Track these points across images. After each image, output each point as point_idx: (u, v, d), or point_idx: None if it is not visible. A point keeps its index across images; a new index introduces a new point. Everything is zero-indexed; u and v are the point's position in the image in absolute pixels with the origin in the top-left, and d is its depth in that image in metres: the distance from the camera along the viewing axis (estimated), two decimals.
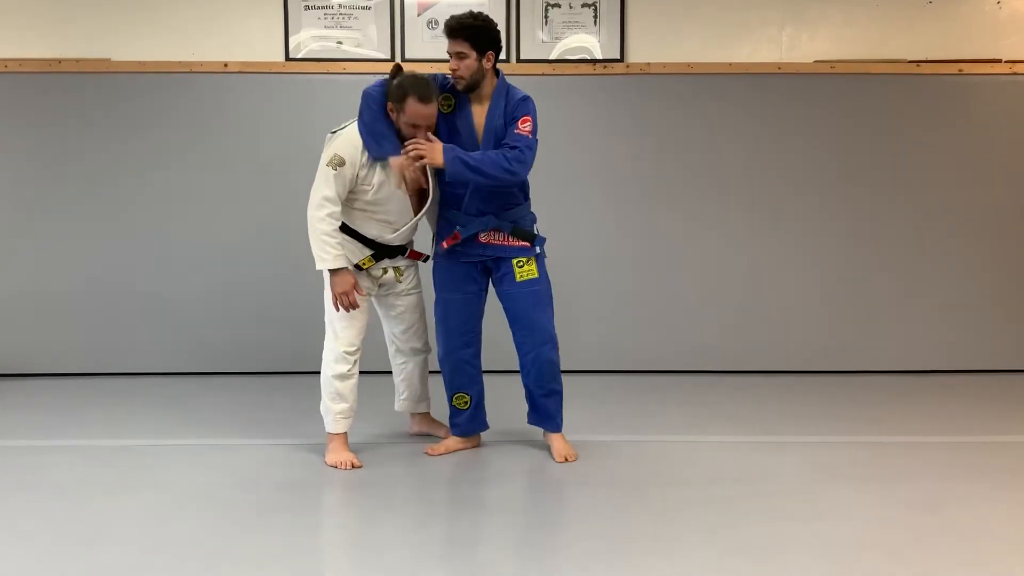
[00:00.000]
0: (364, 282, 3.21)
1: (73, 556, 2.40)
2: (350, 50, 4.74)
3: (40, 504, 2.78)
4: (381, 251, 3.23)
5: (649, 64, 4.73)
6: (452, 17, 3.10)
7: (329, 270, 3.07)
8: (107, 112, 4.62)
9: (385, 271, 3.27)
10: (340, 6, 4.72)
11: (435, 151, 3.06)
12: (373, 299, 3.35)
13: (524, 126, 3.14)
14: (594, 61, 4.74)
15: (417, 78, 3.05)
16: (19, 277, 4.66)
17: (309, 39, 4.73)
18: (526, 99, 3.18)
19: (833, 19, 4.83)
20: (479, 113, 3.18)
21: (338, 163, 3.03)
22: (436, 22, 4.73)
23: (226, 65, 4.66)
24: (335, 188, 3.03)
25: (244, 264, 4.71)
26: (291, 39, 4.72)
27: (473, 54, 3.06)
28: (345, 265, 3.08)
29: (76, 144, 4.63)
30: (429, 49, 4.72)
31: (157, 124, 4.64)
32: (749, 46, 4.82)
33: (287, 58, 4.72)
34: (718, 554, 2.42)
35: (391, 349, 3.47)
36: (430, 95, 3.03)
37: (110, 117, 4.63)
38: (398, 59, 4.72)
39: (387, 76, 3.12)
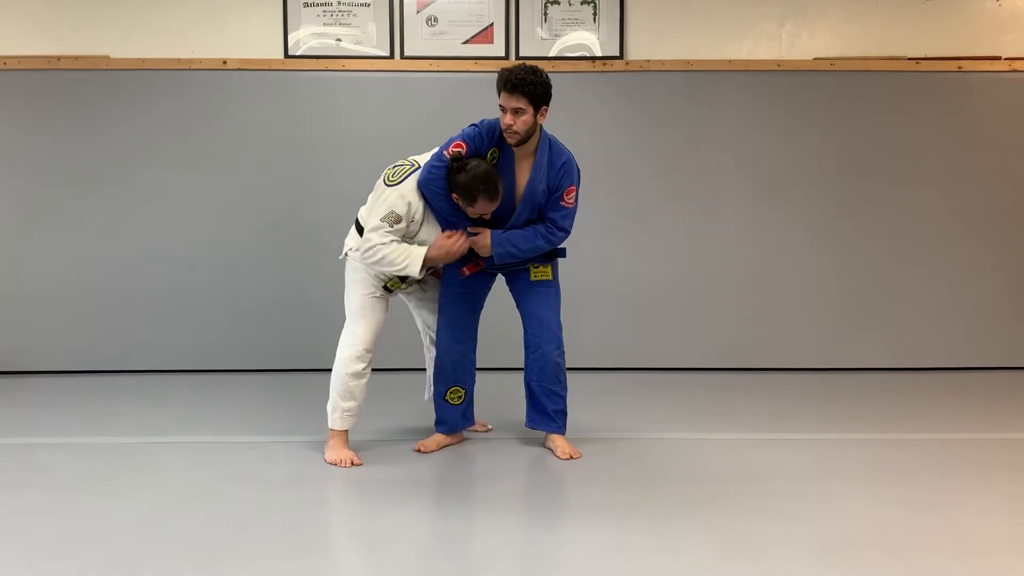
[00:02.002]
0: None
1: (73, 554, 2.39)
2: (349, 47, 4.73)
3: (41, 501, 2.78)
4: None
5: (648, 61, 4.73)
6: (510, 71, 3.01)
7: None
8: (106, 109, 4.62)
9: (409, 285, 3.35)
10: (339, 3, 4.71)
11: (485, 244, 3.14)
12: (402, 295, 3.43)
13: (569, 197, 3.19)
14: (593, 58, 4.74)
15: (484, 176, 3.01)
16: (18, 273, 4.66)
17: (308, 36, 4.72)
18: (570, 163, 3.17)
19: (833, 16, 4.83)
20: (522, 170, 3.15)
21: (394, 220, 3.07)
22: (435, 19, 4.72)
23: (225, 62, 4.66)
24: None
25: (243, 261, 4.71)
26: (290, 36, 4.72)
27: (530, 110, 3.02)
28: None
29: (74, 141, 4.63)
30: (428, 46, 4.72)
31: (156, 121, 4.64)
32: (749, 43, 4.81)
33: (286, 55, 4.72)
34: (718, 552, 2.42)
35: (426, 341, 3.51)
36: (499, 192, 3.05)
37: (109, 114, 4.62)
38: (397, 56, 4.72)
39: (445, 157, 3.05)
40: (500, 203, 3.11)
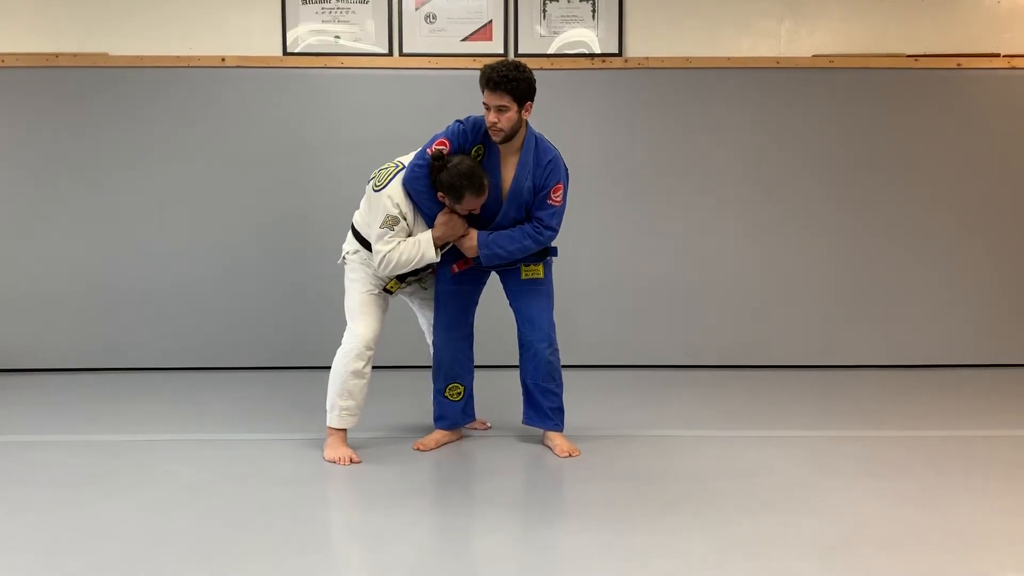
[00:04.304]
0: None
1: (73, 552, 2.40)
2: (348, 44, 4.73)
3: (40, 500, 2.78)
4: (406, 272, 3.26)
5: (647, 58, 4.73)
6: (492, 69, 2.99)
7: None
8: (105, 107, 4.61)
9: (409, 284, 3.35)
10: (338, 0, 4.71)
11: (472, 245, 3.13)
12: (405, 298, 3.44)
13: (556, 196, 3.14)
14: (592, 55, 4.74)
15: (468, 172, 3.00)
16: (18, 271, 4.65)
17: (307, 33, 4.72)
18: (556, 161, 3.13)
19: (832, 13, 4.82)
20: (507, 167, 3.13)
21: (393, 223, 3.08)
22: (434, 16, 4.72)
23: (224, 59, 4.65)
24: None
25: (243, 259, 4.70)
26: (289, 33, 4.71)
27: (514, 107, 3.00)
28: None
29: (73, 139, 4.62)
30: (427, 44, 4.71)
31: (155, 118, 4.63)
32: (748, 40, 4.81)
33: (285, 52, 4.71)
34: (716, 548, 2.42)
35: (430, 341, 3.50)
36: (484, 186, 3.04)
37: (108, 112, 4.62)
38: (396, 53, 4.71)
39: (428, 155, 3.06)
40: (487, 200, 3.10)
